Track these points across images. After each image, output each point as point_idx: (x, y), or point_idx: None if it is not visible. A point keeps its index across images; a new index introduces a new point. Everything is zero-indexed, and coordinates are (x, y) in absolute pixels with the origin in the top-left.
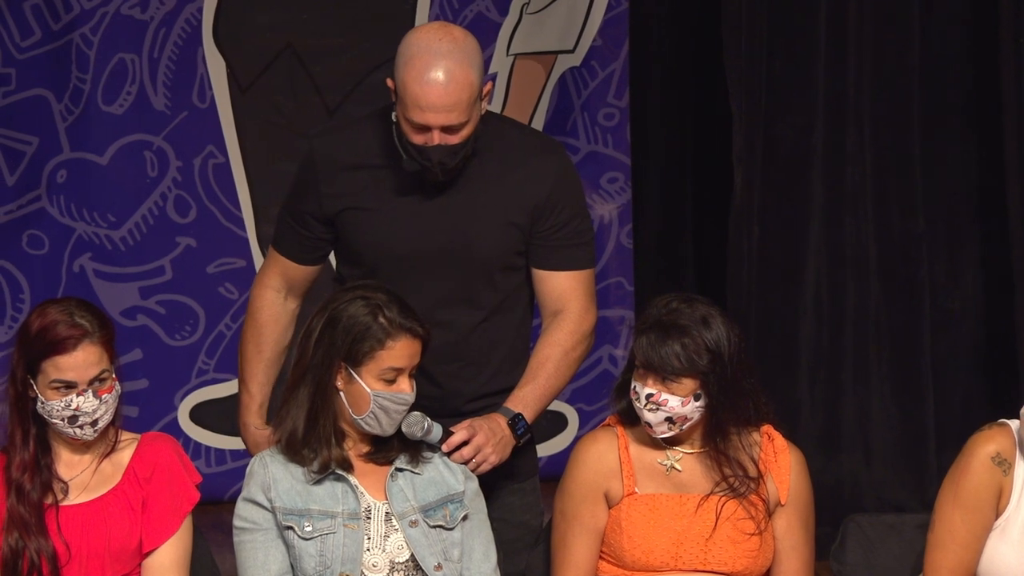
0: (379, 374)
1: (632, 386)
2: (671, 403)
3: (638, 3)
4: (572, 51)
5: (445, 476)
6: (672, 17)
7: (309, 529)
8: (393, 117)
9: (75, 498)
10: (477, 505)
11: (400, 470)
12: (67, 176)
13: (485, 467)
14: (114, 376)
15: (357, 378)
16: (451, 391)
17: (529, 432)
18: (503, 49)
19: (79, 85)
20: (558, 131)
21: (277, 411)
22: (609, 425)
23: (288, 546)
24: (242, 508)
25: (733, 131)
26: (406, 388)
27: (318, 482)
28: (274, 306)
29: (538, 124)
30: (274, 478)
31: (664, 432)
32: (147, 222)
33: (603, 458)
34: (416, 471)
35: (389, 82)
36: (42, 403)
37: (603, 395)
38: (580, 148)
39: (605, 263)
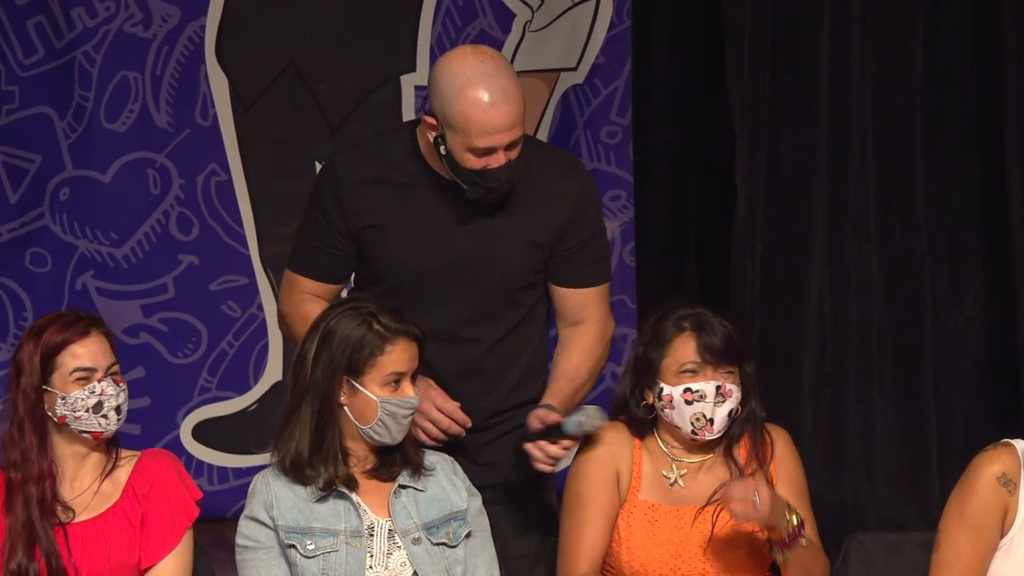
0: (382, 380)
1: (668, 394)
2: (735, 392)
3: (641, 21)
4: (575, 69)
5: (449, 493)
6: (675, 35)
7: (311, 547)
8: (442, 151)
9: (76, 517)
10: (480, 522)
11: (403, 487)
12: (70, 194)
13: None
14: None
15: (361, 388)
16: (471, 408)
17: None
18: None
19: (82, 103)
20: (561, 148)
21: (278, 434)
22: (625, 425)
23: (290, 564)
24: (244, 526)
25: (736, 149)
26: (410, 392)
27: (321, 500)
28: (313, 300)
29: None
30: (276, 496)
31: (720, 429)
32: (149, 240)
33: (622, 445)
34: (419, 488)
35: (429, 119)
36: (63, 399)
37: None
38: None
39: None
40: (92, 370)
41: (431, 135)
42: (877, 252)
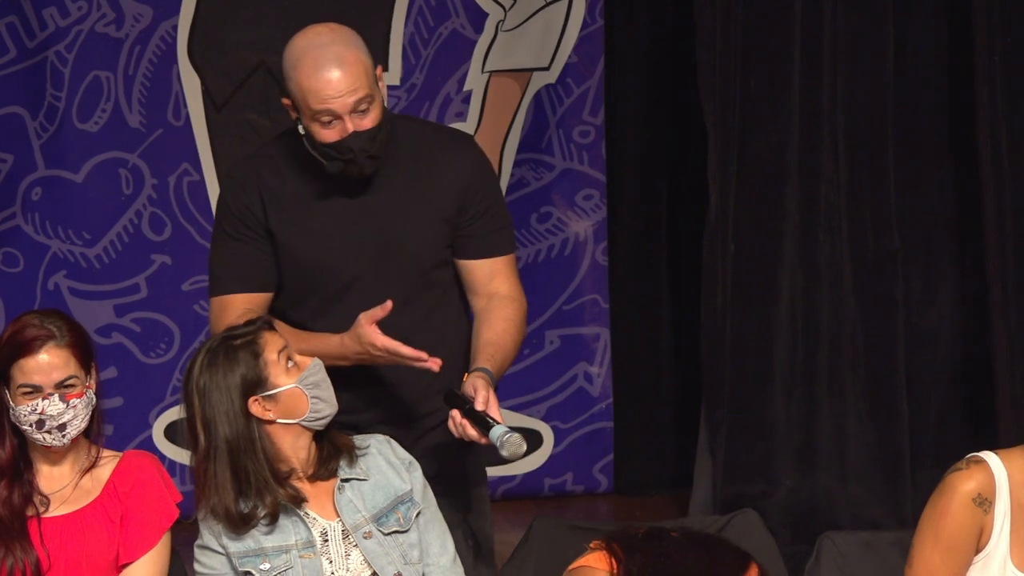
0: (282, 368)
1: None
2: None
3: (613, 21)
4: (547, 68)
5: (390, 478)
6: (647, 35)
7: (266, 567)
8: (301, 130)
9: (55, 510)
10: (427, 498)
11: (345, 480)
12: (42, 193)
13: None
14: (87, 384)
15: (276, 390)
16: (400, 398)
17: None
18: (478, 66)
19: (54, 102)
20: (533, 148)
21: (197, 503)
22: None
23: None
24: (199, 554)
25: (708, 149)
26: (306, 360)
27: (269, 522)
28: (249, 315)
29: (513, 141)
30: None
31: None
32: (122, 240)
33: None
34: (361, 477)
35: (286, 101)
36: (12, 410)
37: (578, 413)
38: (555, 165)
39: (580, 280)
40: (38, 388)
41: (293, 116)
42: (849, 251)
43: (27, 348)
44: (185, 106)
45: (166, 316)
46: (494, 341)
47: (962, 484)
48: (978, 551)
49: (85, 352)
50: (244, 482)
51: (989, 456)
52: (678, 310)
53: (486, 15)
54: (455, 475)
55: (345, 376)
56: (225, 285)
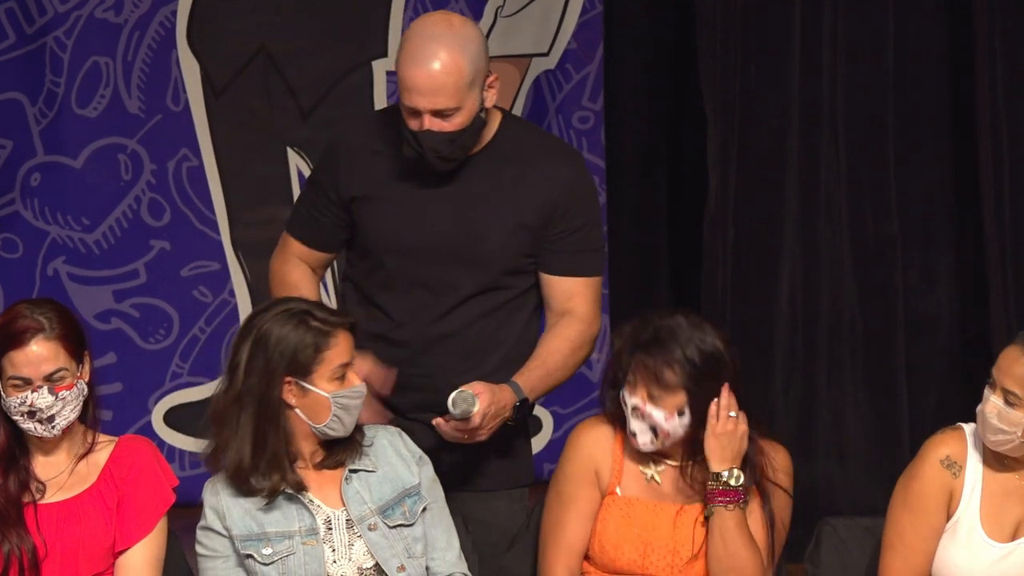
0: (330, 375)
1: (621, 393)
2: (655, 416)
3: (613, 6)
4: (546, 54)
5: (399, 470)
6: (647, 20)
7: (268, 552)
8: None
9: (51, 496)
10: (435, 493)
11: (354, 471)
12: (41, 179)
13: (470, 440)
14: (78, 375)
15: (311, 387)
16: (446, 385)
17: (526, 416)
18: None
19: (53, 88)
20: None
21: (209, 443)
22: (606, 418)
23: (249, 573)
24: (201, 535)
25: (708, 135)
26: (356, 381)
27: (269, 505)
28: (299, 265)
29: None
30: (226, 506)
31: (647, 445)
32: (121, 225)
33: (599, 444)
34: (370, 468)
35: None
36: (3, 399)
37: (578, 398)
38: None
39: None
40: (27, 380)
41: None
42: (849, 237)
43: (16, 340)
44: (184, 92)
45: (165, 302)
46: (540, 356)
47: (934, 448)
48: (949, 517)
49: (76, 343)
50: (261, 446)
51: (968, 425)
52: (678, 296)
53: (485, 0)
54: (498, 472)
55: (396, 362)
56: (292, 227)
